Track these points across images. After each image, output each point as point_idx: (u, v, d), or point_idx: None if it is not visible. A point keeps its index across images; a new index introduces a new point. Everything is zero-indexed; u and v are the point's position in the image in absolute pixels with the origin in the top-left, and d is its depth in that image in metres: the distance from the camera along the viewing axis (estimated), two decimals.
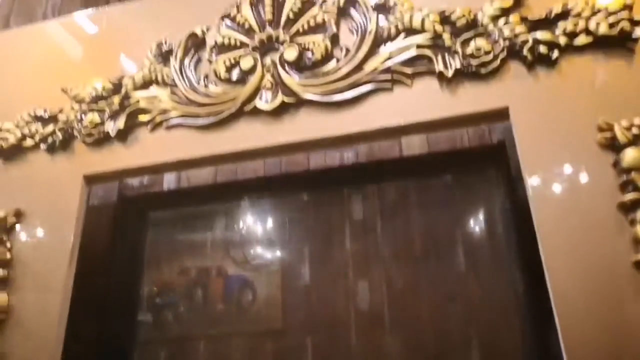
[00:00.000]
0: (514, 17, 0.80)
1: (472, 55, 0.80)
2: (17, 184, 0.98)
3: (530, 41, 0.78)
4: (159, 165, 0.95)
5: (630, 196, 0.67)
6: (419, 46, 0.84)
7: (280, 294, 1.10)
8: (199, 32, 0.98)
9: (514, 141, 0.77)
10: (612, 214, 0.69)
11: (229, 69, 0.93)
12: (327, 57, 0.88)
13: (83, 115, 0.98)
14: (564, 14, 0.78)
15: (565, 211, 0.71)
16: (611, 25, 0.75)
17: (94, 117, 0.97)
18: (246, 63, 0.92)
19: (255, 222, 1.19)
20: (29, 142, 1.00)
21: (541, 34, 0.78)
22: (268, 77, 0.90)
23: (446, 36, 0.82)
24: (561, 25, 0.78)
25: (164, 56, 0.99)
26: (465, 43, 0.82)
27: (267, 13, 0.94)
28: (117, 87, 0.99)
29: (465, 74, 0.81)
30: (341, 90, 0.86)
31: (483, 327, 0.95)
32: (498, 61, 0.79)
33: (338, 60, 0.88)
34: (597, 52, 0.76)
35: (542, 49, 0.77)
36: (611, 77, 0.75)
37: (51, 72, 1.06)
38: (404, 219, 1.06)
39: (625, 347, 0.64)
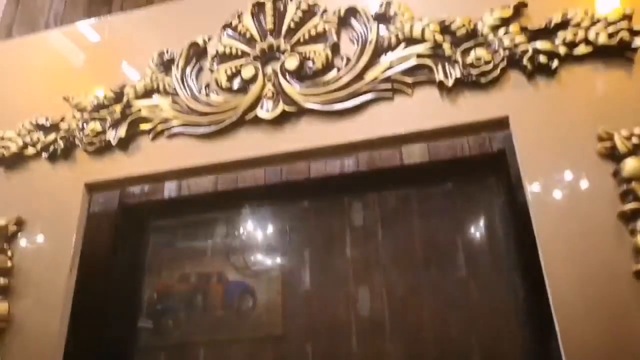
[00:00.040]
0: (513, 27, 0.81)
1: (472, 65, 0.80)
2: (19, 192, 0.99)
3: (530, 51, 0.78)
4: (160, 174, 0.95)
5: (630, 206, 0.68)
6: (419, 56, 0.84)
7: (281, 300, 1.09)
8: (200, 42, 0.98)
9: (514, 150, 0.78)
10: (613, 223, 0.69)
11: (230, 78, 0.93)
12: (327, 66, 0.89)
13: (85, 124, 0.99)
14: (564, 24, 0.79)
15: (565, 219, 0.71)
16: (610, 35, 0.75)
17: (96, 125, 0.97)
18: (247, 72, 0.92)
19: (255, 229, 1.19)
20: (30, 150, 1.00)
21: (541, 44, 0.78)
22: (269, 86, 0.91)
23: (446, 46, 0.83)
24: (561, 35, 0.78)
25: (166, 65, 0.99)
26: (466, 53, 0.82)
27: (269, 23, 0.95)
28: (118, 96, 0.99)
29: (466, 84, 0.81)
30: (342, 100, 0.86)
31: (483, 334, 0.95)
32: (498, 71, 0.80)
33: (339, 70, 0.88)
34: (596, 62, 0.77)
35: (542, 58, 0.78)
36: (611, 86, 0.75)
37: (53, 81, 1.06)
38: (404, 226, 1.06)
39: (625, 355, 0.64)
